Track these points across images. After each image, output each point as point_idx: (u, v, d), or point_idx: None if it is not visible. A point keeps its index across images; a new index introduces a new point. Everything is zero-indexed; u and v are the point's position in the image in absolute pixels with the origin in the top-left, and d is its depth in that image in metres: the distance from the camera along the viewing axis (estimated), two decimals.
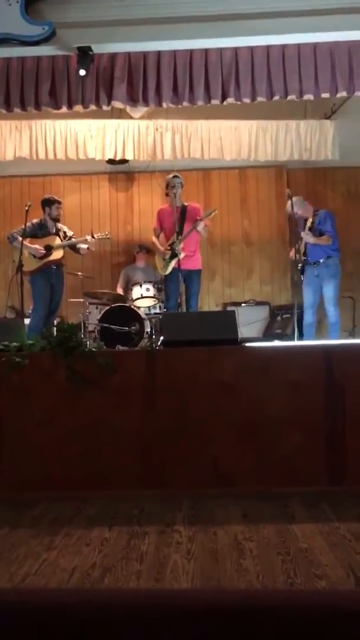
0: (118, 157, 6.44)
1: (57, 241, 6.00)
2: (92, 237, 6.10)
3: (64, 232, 6.13)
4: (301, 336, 5.55)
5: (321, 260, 5.77)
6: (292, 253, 6.12)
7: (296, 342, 5.16)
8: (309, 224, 5.79)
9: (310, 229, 5.78)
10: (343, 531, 2.70)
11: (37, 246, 5.88)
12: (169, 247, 5.89)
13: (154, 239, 6.25)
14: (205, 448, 3.50)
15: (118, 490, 3.43)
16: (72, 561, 2.43)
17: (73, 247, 6.10)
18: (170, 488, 3.45)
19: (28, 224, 5.79)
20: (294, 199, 5.90)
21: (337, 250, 5.83)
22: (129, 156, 6.42)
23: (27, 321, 5.75)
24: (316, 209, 5.98)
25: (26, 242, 5.78)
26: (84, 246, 6.08)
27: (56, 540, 2.70)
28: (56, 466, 3.52)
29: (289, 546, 2.53)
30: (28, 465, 3.53)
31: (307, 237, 5.76)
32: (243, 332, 5.61)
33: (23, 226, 5.75)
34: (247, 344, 3.89)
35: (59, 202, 6.10)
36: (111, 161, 6.94)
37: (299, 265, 5.90)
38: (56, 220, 6.09)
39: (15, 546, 2.63)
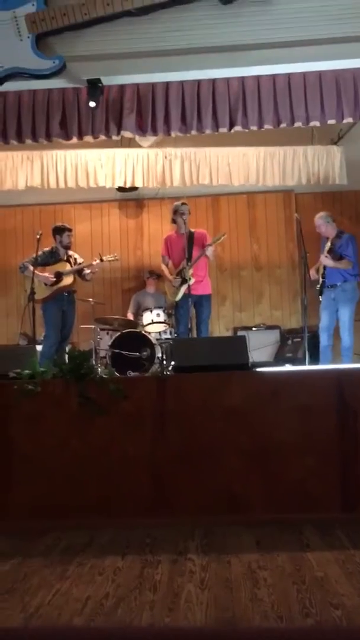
0: (128, 185, 6.52)
1: (67, 267, 6.07)
2: (101, 259, 6.17)
3: (75, 259, 6.20)
4: (317, 360, 5.50)
5: (338, 284, 5.75)
6: (312, 272, 6.06)
7: (307, 367, 5.13)
8: (328, 245, 5.77)
9: (329, 251, 5.76)
10: (358, 559, 2.66)
11: (47, 274, 5.95)
12: (177, 276, 5.94)
13: (163, 267, 6.31)
14: (217, 474, 3.48)
15: (129, 518, 3.42)
16: (85, 591, 2.42)
17: (80, 274, 6.17)
18: (182, 515, 3.42)
19: (40, 252, 5.90)
20: (320, 214, 5.92)
21: (356, 275, 5.81)
22: (138, 184, 6.50)
23: (39, 348, 5.81)
24: (341, 231, 5.94)
25: (37, 271, 5.85)
26: (88, 271, 6.14)
27: (69, 569, 2.69)
28: (68, 494, 3.51)
29: (304, 575, 2.50)
30: (40, 493, 3.52)
31: (326, 260, 5.74)
32: (254, 356, 5.61)
33: (34, 255, 5.83)
34: (258, 369, 3.88)
35: (70, 230, 6.19)
36: (121, 189, 7.02)
37: (317, 286, 5.89)
38: (67, 247, 6.16)
39: (28, 576, 2.62)
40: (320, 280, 5.81)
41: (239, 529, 3.21)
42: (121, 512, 3.47)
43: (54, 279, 5.97)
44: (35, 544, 3.09)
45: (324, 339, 5.81)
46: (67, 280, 6.04)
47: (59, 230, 6.15)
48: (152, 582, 2.48)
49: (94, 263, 6.14)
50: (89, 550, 2.98)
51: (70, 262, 6.13)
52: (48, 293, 5.95)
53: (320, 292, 5.88)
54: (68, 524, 3.37)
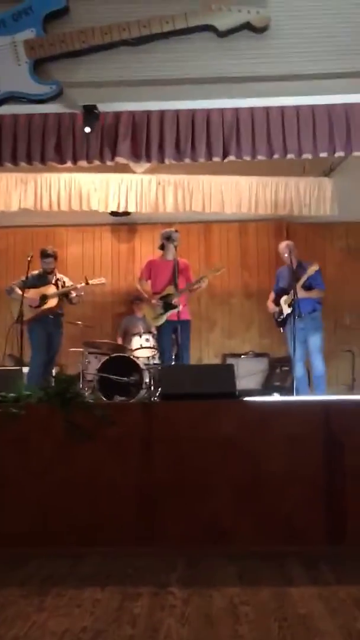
0: (121, 210, 6.56)
1: (52, 290, 6.07)
2: (87, 283, 6.17)
3: (64, 282, 6.20)
4: (296, 391, 5.51)
5: (308, 313, 5.81)
6: (271, 305, 6.13)
7: (294, 397, 5.12)
8: (304, 278, 5.81)
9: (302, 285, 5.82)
10: (343, 595, 2.62)
11: (31, 296, 5.95)
12: (160, 299, 5.90)
13: (139, 287, 6.27)
14: (203, 504, 3.44)
15: (113, 547, 3.36)
16: (63, 624, 2.35)
17: (67, 297, 6.16)
18: (166, 544, 3.37)
19: (29, 274, 5.90)
20: (288, 242, 6.05)
21: (321, 304, 5.92)
22: (131, 209, 6.54)
23: (27, 370, 5.78)
24: (300, 261, 6.02)
25: (25, 293, 5.86)
26: (74, 294, 6.14)
27: (47, 600, 2.62)
28: (51, 521, 3.46)
29: (286, 611, 2.45)
30: (22, 519, 3.46)
31: (301, 291, 5.80)
32: (242, 383, 5.60)
33: (23, 278, 5.85)
34: (246, 398, 3.87)
35: (50, 256, 6.17)
36: (114, 213, 7.05)
37: (281, 317, 5.94)
38: (49, 272, 6.16)
39: (4, 606, 2.55)
40: (288, 310, 5.84)
41: (223, 560, 3.16)
42: (105, 540, 3.42)
43: (39, 301, 5.99)
44: (15, 573, 3.02)
45: (299, 369, 5.83)
46: (52, 303, 6.04)
47: (41, 255, 6.19)
48: (132, 616, 2.42)
49: (79, 286, 6.15)
50: (69, 580, 2.92)
51: (57, 285, 6.14)
52: (31, 315, 5.95)
53: (283, 324, 5.93)
54: (50, 551, 3.31)
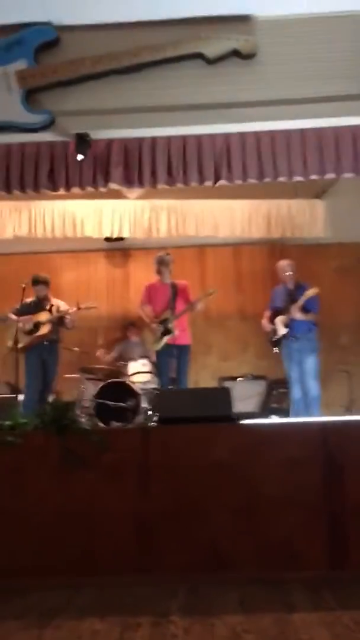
0: (115, 236, 6.58)
1: (46, 316, 6.07)
2: (78, 307, 6.16)
3: (57, 307, 6.19)
4: (293, 413, 5.49)
5: (304, 334, 5.81)
6: (266, 323, 6.13)
7: (292, 419, 5.10)
8: (302, 301, 5.82)
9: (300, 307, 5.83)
10: (346, 620, 2.58)
11: (24, 324, 5.95)
12: (159, 322, 5.92)
13: (141, 312, 6.28)
14: (202, 530, 3.40)
15: (112, 576, 3.30)
16: None
17: (62, 322, 6.15)
18: (165, 572, 3.32)
19: (23, 302, 5.91)
20: (289, 261, 6.04)
21: (316, 325, 5.92)
22: (125, 234, 6.57)
23: (22, 397, 5.75)
24: (298, 282, 6.06)
25: (20, 320, 5.86)
26: (68, 319, 6.13)
27: (46, 633, 2.57)
28: (48, 550, 3.40)
29: (289, 638, 2.40)
30: (18, 549, 3.40)
31: (297, 313, 5.80)
32: (240, 406, 5.56)
33: (17, 305, 5.85)
34: (243, 422, 3.84)
35: (42, 283, 6.18)
36: (108, 238, 7.08)
37: (276, 337, 5.92)
38: (42, 299, 6.16)
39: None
40: (283, 330, 5.81)
41: (224, 587, 3.11)
42: (103, 569, 3.36)
43: (32, 328, 5.98)
44: (13, 605, 2.96)
45: (296, 392, 5.80)
46: (45, 329, 6.03)
47: (32, 283, 6.19)
48: None
49: (70, 311, 6.14)
50: (67, 611, 2.86)
51: (51, 311, 6.14)
52: (26, 342, 5.94)
53: (277, 344, 5.91)
54: (48, 582, 3.25)
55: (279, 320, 5.92)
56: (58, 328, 6.19)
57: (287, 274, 6.00)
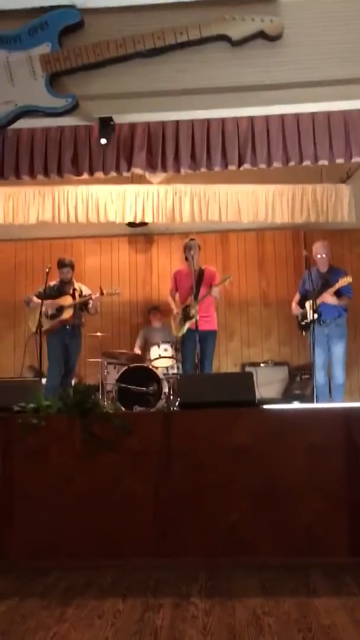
0: (138, 221, 6.58)
1: (69, 301, 6.11)
2: (102, 293, 6.19)
3: (80, 291, 6.23)
4: (316, 398, 5.45)
5: (334, 319, 5.74)
6: (296, 307, 6.06)
7: (315, 405, 5.07)
8: (335, 288, 5.74)
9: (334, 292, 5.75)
10: None
11: (48, 307, 5.99)
12: (181, 311, 5.97)
13: (170, 299, 6.34)
14: (222, 514, 3.41)
15: (132, 558, 3.34)
16: (84, 635, 2.34)
17: (85, 307, 6.20)
18: (186, 556, 3.34)
19: (47, 285, 5.95)
20: (325, 242, 5.99)
21: (346, 310, 5.83)
22: (148, 219, 6.56)
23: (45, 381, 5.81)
24: (331, 266, 5.99)
25: (44, 304, 5.90)
26: (90, 304, 6.17)
27: (68, 611, 2.61)
28: (70, 533, 3.45)
29: (310, 622, 2.41)
30: (41, 531, 3.45)
31: (331, 298, 5.73)
32: (262, 392, 5.56)
33: (41, 289, 5.90)
34: (265, 406, 3.83)
35: (67, 266, 6.24)
36: (131, 224, 7.09)
37: (305, 321, 5.86)
38: (66, 282, 6.21)
39: (25, 617, 2.55)
40: (313, 315, 5.72)
41: (244, 571, 3.12)
42: (124, 552, 3.40)
43: (54, 312, 6.03)
44: (35, 585, 3.01)
45: (320, 377, 5.74)
46: (66, 314, 6.07)
47: (58, 265, 6.25)
48: (153, 627, 2.40)
49: (94, 297, 6.17)
50: (89, 591, 2.90)
51: (74, 295, 6.17)
52: (48, 326, 5.99)
53: (307, 328, 5.83)
54: (69, 563, 3.29)
55: (309, 304, 5.84)
56: (81, 313, 6.23)
57: (319, 256, 5.93)
